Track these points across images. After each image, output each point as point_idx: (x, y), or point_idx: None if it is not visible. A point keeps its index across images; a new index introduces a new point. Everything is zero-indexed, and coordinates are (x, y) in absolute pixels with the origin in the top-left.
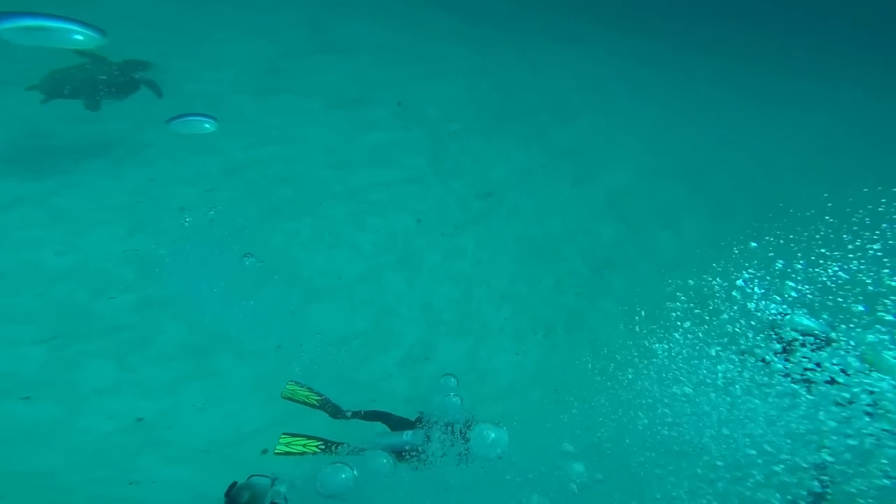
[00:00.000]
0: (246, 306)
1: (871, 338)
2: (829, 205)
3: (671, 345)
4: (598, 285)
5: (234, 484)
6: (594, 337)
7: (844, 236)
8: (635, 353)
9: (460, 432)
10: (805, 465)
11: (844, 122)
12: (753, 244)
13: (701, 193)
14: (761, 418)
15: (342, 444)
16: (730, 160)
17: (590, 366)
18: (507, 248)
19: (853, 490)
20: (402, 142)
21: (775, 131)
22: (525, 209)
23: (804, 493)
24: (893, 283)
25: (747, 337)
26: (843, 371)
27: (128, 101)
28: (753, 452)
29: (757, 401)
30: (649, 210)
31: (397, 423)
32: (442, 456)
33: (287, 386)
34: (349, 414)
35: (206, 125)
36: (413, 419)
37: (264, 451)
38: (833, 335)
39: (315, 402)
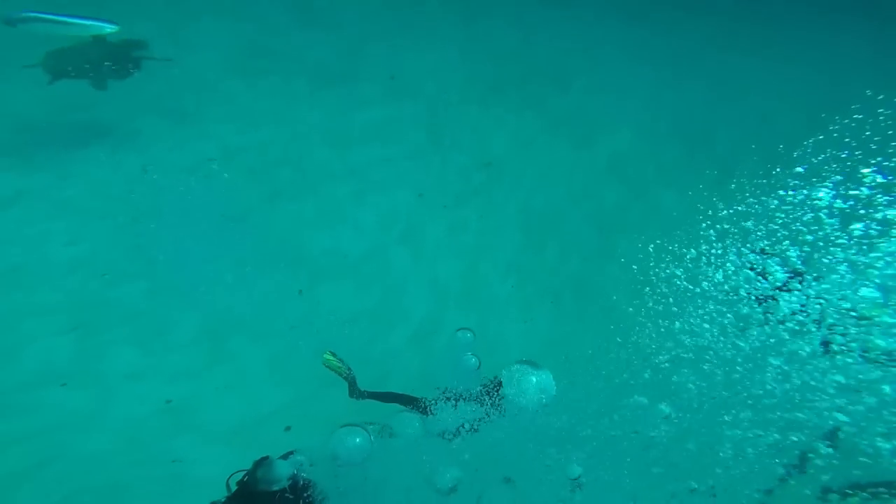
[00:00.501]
0: (254, 289)
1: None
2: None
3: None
4: (604, 249)
5: (266, 458)
6: (604, 302)
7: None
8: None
9: (488, 395)
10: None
11: (849, 76)
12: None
13: (704, 152)
14: None
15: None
16: (732, 118)
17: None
18: (510, 218)
19: None
20: (398, 117)
21: (779, 87)
22: (527, 178)
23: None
24: None
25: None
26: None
27: (118, 85)
28: None
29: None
30: (653, 171)
31: (409, 403)
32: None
33: (325, 355)
34: (365, 393)
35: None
36: (426, 398)
37: (287, 429)
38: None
39: (345, 374)
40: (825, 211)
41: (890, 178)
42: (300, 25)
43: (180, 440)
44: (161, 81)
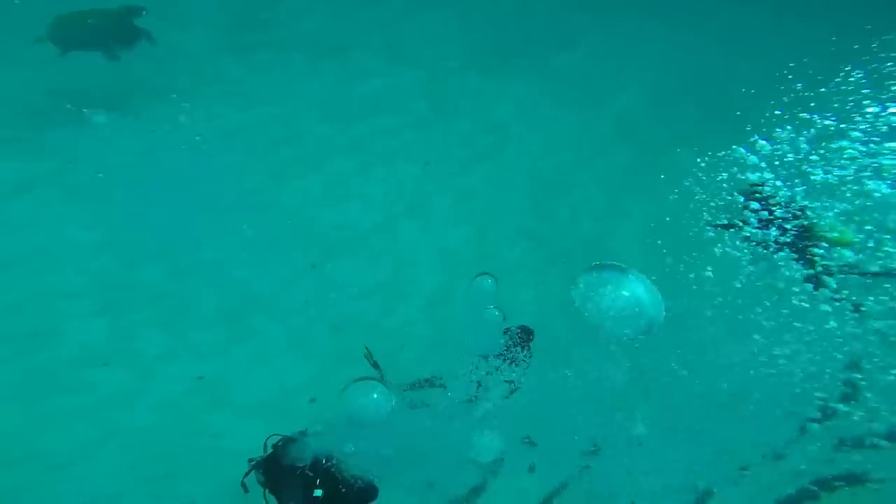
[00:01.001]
0: (268, 266)
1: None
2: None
3: None
4: (615, 210)
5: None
6: (618, 261)
7: None
8: None
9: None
10: None
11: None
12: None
13: (721, 110)
14: None
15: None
16: (749, 73)
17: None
18: (518, 183)
19: None
20: (399, 87)
21: (796, 40)
22: (533, 142)
23: None
24: None
25: None
26: None
27: (113, 66)
28: None
29: None
30: (664, 131)
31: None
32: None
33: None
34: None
35: None
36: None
37: (313, 400)
38: None
39: (372, 363)
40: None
41: None
42: None
43: (215, 416)
44: (148, 60)
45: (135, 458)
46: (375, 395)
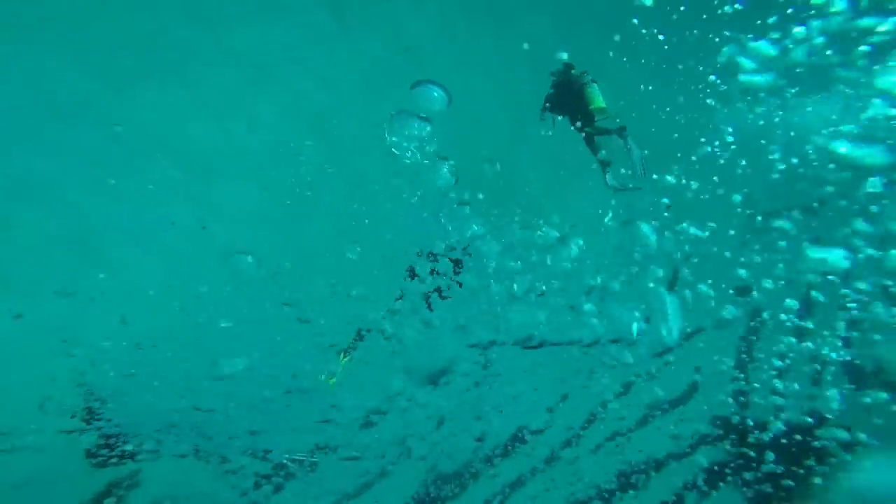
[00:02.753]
0: (123, 188)
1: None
2: None
3: None
4: (521, 135)
5: None
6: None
7: None
8: None
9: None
10: None
11: None
12: None
13: None
14: None
15: None
16: None
17: None
18: None
19: None
20: None
21: None
22: (444, 66)
23: None
24: None
25: None
26: None
27: None
28: None
29: None
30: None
31: None
32: None
33: None
34: None
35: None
36: None
37: None
38: None
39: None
40: None
41: None
42: None
43: None
44: None
45: None
46: None
